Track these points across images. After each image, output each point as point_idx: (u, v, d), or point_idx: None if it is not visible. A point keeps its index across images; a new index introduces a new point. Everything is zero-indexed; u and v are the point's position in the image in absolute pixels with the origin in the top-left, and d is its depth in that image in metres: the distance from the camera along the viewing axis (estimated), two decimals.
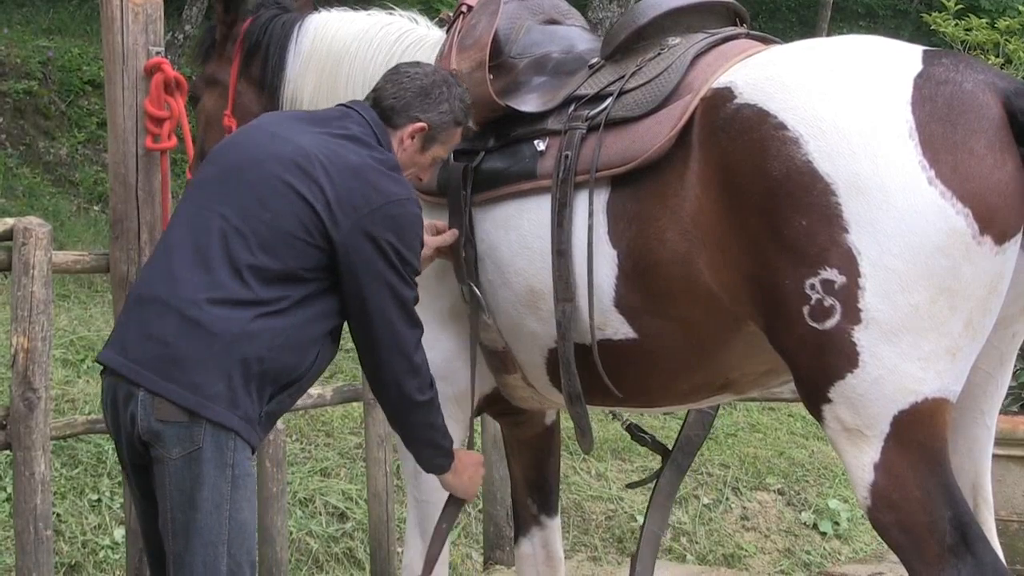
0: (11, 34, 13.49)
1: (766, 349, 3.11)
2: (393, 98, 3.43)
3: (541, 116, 3.55)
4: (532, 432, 4.05)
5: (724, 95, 3.10)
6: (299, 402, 5.38)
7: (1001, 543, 6.48)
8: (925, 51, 3.01)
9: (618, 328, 3.37)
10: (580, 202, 3.36)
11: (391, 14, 4.12)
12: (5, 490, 5.50)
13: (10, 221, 4.41)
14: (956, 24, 7.37)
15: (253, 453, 3.27)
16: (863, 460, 2.94)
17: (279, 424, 5.14)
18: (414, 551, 3.88)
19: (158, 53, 4.43)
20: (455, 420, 3.75)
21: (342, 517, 6.23)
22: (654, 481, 4.06)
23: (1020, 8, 7.64)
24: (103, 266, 4.61)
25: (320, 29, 4.10)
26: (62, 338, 6.91)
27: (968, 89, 2.88)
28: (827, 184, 2.87)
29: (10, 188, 10.70)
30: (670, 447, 4.08)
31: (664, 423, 7.40)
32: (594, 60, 3.60)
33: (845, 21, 16.72)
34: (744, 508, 7.12)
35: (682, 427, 4.00)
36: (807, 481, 7.47)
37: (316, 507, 6.25)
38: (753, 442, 7.75)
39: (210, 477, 3.16)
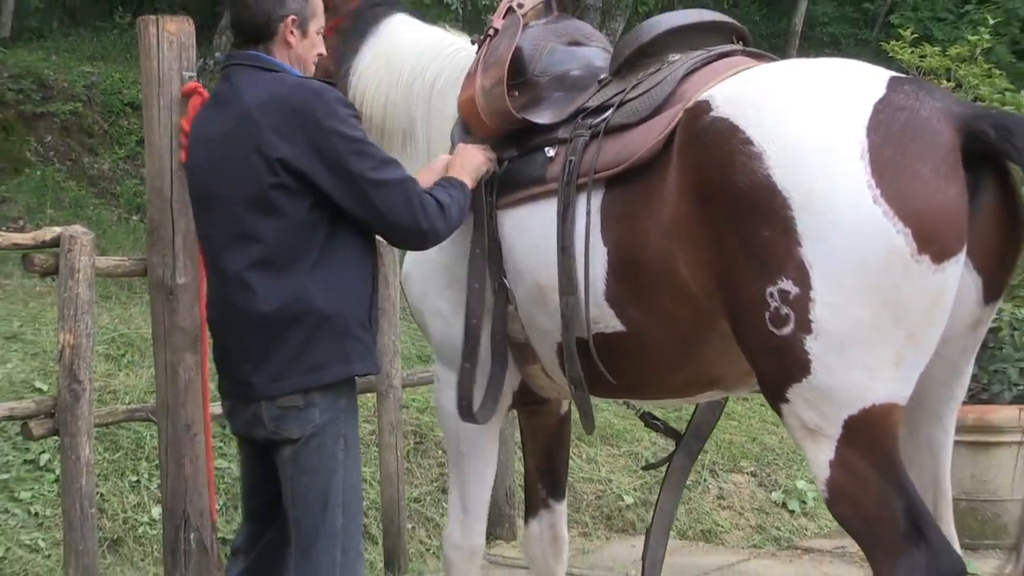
0: (59, 61, 13.49)
1: None
2: (252, 19, 3.35)
3: (554, 127, 3.54)
4: (547, 422, 4.01)
5: (703, 108, 3.07)
6: None
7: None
8: (891, 78, 2.96)
9: (609, 321, 3.34)
10: (581, 203, 3.34)
11: (453, 33, 4.12)
12: (54, 472, 5.51)
13: (57, 229, 4.42)
14: (912, 52, 7.38)
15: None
16: (821, 457, 2.92)
17: None
18: (455, 522, 3.87)
19: (191, 78, 4.44)
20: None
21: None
22: (667, 463, 4.02)
23: (969, 38, 7.66)
24: (141, 270, 4.62)
25: (395, 30, 4.10)
26: (104, 335, 6.91)
27: (923, 116, 2.82)
28: (784, 199, 2.82)
29: (58, 200, 10.70)
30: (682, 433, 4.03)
31: (681, 413, 7.40)
32: (603, 76, 3.59)
33: (812, 49, 16.71)
34: (720, 488, 7.13)
35: (693, 415, 3.96)
36: (777, 464, 7.47)
37: None
38: (728, 429, 7.76)
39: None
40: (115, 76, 12.98)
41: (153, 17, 4.49)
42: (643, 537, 6.53)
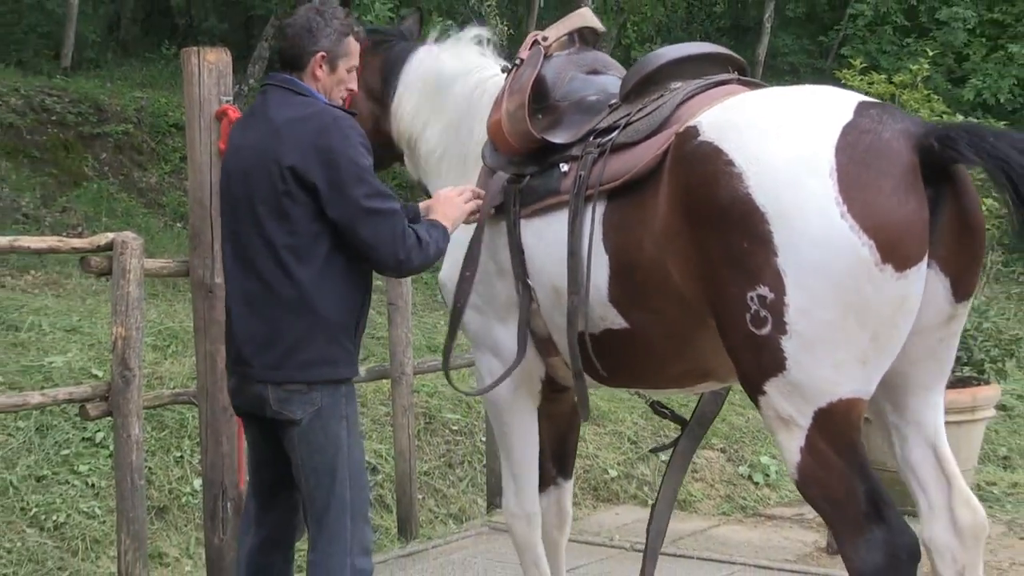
0: (112, 87, 13.50)
1: None
2: (288, 50, 3.38)
3: (569, 145, 3.52)
4: (562, 409, 3.95)
5: (691, 132, 3.04)
6: None
7: None
8: (860, 103, 2.93)
9: (615, 319, 3.32)
10: (587, 212, 3.32)
11: (482, 55, 4.08)
12: (108, 448, 5.51)
13: (111, 235, 4.42)
14: (861, 79, 7.37)
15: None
16: (792, 445, 2.89)
17: None
18: (510, 492, 3.85)
19: (227, 101, 4.44)
20: (525, 388, 3.73)
21: (373, 471, 6.23)
22: (672, 447, 3.95)
23: (911, 68, 7.65)
24: (184, 271, 4.62)
25: (423, 62, 4.06)
26: (151, 328, 6.91)
27: (885, 138, 2.79)
28: (762, 213, 2.80)
29: (111, 209, 10.70)
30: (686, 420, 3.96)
31: (687, 401, 7.41)
32: (613, 101, 3.57)
33: (774, 76, 16.71)
34: (694, 463, 7.10)
35: (698, 403, 3.91)
36: (744, 442, 7.46)
37: None
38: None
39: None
40: (162, 100, 12.99)
41: (195, 49, 4.49)
42: (625, 506, 6.56)
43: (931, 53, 9.30)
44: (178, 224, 10.84)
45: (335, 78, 3.39)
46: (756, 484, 7.14)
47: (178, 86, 9.72)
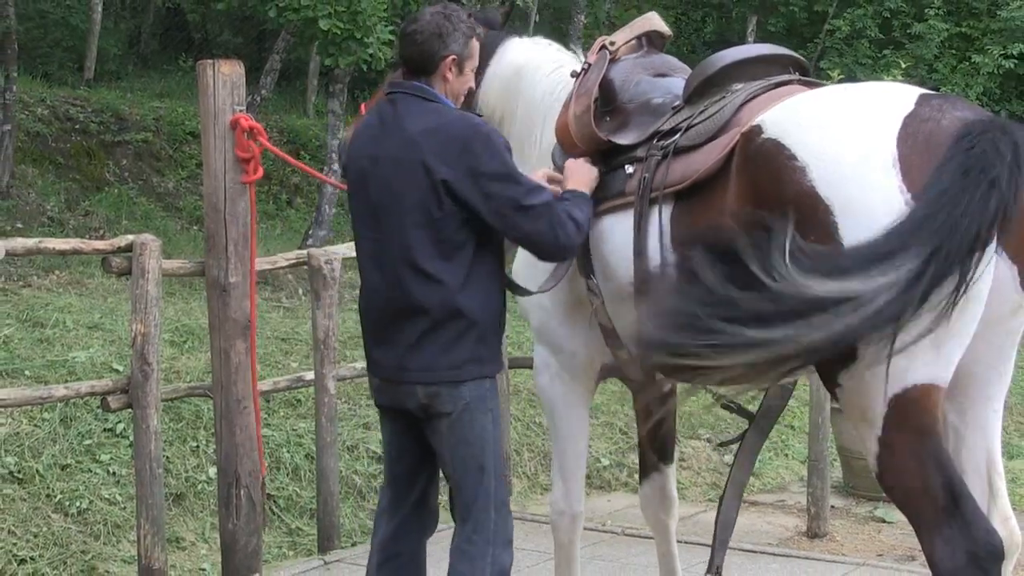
0: (132, 97, 13.48)
1: None
2: (420, 55, 3.24)
3: (634, 147, 3.43)
4: (653, 396, 3.85)
5: (756, 131, 2.95)
6: (347, 373, 5.38)
7: (854, 474, 6.45)
8: (921, 94, 2.81)
9: None
10: (653, 214, 3.23)
11: (561, 51, 4.00)
12: (128, 438, 5.49)
13: (130, 237, 4.41)
14: None
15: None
16: (870, 435, 2.75)
17: (331, 390, 5.13)
18: (558, 490, 3.75)
19: (240, 111, 4.42)
20: (581, 385, 3.66)
21: (379, 460, 6.20)
22: (739, 441, 3.85)
23: (885, 78, 7.66)
24: (200, 271, 4.60)
25: (512, 54, 3.93)
26: (169, 325, 6.89)
27: (944, 126, 2.68)
28: (827, 206, 2.69)
29: (131, 213, 10.68)
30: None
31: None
32: (676, 103, 3.47)
33: None
34: (682, 452, 7.10)
35: (763, 397, 3.78)
36: (728, 431, 7.42)
37: (360, 452, 6.23)
38: (688, 402, 7.71)
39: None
40: (179, 110, 12.97)
41: (210, 61, 4.48)
42: (617, 493, 6.54)
43: (904, 65, 9.30)
44: (194, 227, 10.81)
45: (462, 80, 3.29)
46: None
47: (194, 97, 9.70)
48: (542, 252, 3.25)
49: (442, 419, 3.18)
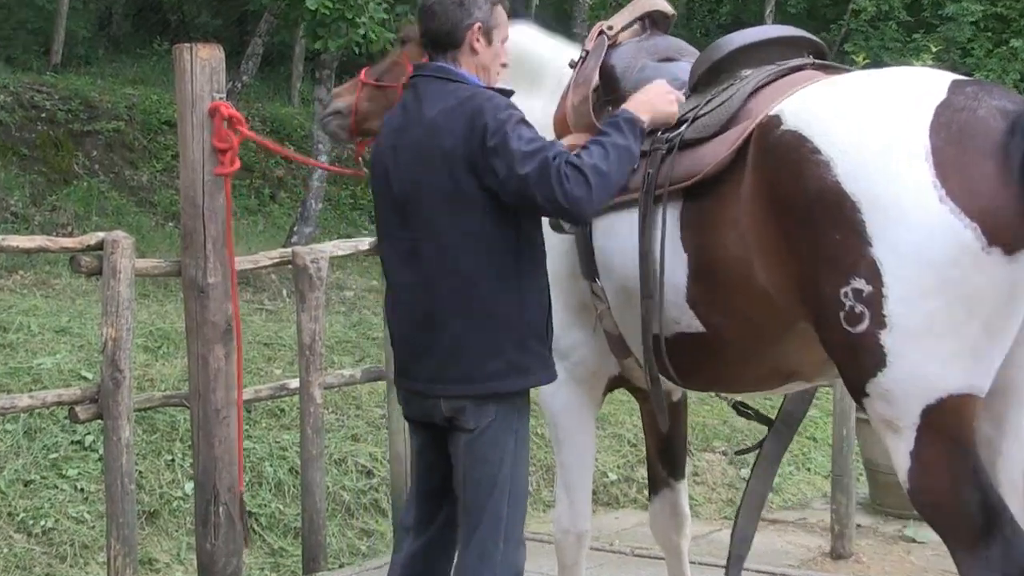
0: (103, 84, 13.50)
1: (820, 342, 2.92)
2: (440, 27, 3.15)
3: None
4: (663, 405, 3.75)
5: (773, 122, 2.91)
6: (334, 381, 5.38)
7: (882, 490, 6.43)
8: (953, 81, 2.77)
9: (690, 322, 3.19)
10: (658, 212, 3.18)
11: (559, 40, 3.97)
12: (97, 451, 5.49)
13: (101, 234, 4.41)
14: None
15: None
16: (900, 448, 2.71)
17: (317, 399, 5.13)
18: (562, 507, 3.74)
19: (220, 98, 4.41)
20: (587, 395, 3.64)
21: (369, 474, 6.22)
22: (758, 449, 3.83)
23: (914, 63, 7.66)
24: (176, 271, 4.59)
25: (522, 40, 3.82)
26: (142, 329, 6.89)
27: (981, 115, 2.64)
28: (853, 202, 2.67)
29: (102, 208, 10.69)
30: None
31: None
32: (682, 91, 3.41)
33: None
34: (695, 466, 7.11)
35: (783, 403, 3.76)
36: (746, 443, 7.44)
37: (348, 466, 6.24)
38: (702, 412, 7.74)
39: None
40: (153, 97, 12.99)
41: (188, 45, 4.46)
42: (625, 510, 6.55)
43: (935, 49, 9.29)
44: (170, 223, 10.83)
45: (492, 51, 3.19)
46: None
47: (170, 83, 9.71)
48: (554, 217, 3.11)
49: (462, 434, 3.12)
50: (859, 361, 2.73)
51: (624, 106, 3.21)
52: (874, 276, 2.66)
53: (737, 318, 3.09)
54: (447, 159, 3.02)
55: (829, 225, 2.71)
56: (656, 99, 3.26)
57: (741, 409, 3.85)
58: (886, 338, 2.66)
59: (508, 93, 3.16)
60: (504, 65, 3.29)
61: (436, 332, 3.09)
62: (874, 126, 2.74)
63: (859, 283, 2.68)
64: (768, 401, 7.37)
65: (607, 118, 3.21)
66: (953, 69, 3.17)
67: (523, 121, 3.05)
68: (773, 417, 3.81)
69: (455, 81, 3.13)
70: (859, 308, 2.68)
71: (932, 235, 2.61)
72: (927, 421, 2.68)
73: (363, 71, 4.02)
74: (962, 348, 2.64)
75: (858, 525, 5.92)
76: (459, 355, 3.07)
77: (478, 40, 3.16)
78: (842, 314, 2.71)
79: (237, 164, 4.39)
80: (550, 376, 3.20)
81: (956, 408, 2.67)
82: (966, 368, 2.66)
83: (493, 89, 3.15)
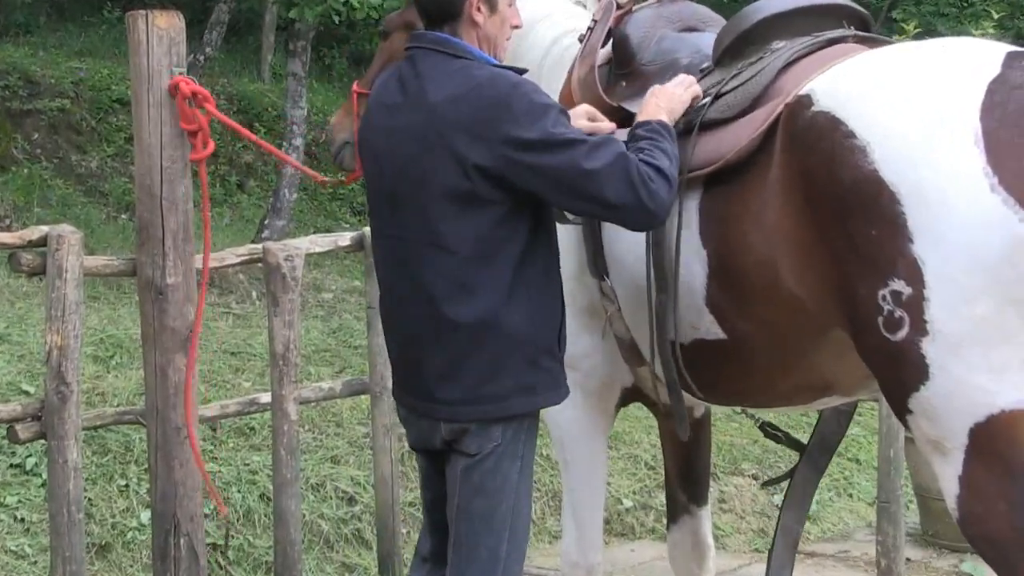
0: (46, 56, 13.49)
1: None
2: None
3: None
4: (683, 422, 3.80)
5: (804, 102, 2.92)
6: (311, 395, 5.39)
7: (935, 519, 6.45)
8: (1008, 53, 2.76)
9: (709, 327, 3.20)
10: (676, 201, 3.16)
11: (574, 6, 4.00)
12: (40, 476, 5.50)
13: (44, 228, 4.40)
14: None
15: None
16: (948, 472, 2.73)
17: (292, 415, 5.13)
18: (570, 537, 3.76)
19: (180, 73, 4.42)
20: (599, 410, 3.65)
21: (351, 501, 6.22)
22: (789, 478, 3.83)
23: (973, 33, 7.65)
24: (130, 270, 4.60)
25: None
26: (92, 336, 6.89)
27: None
28: (892, 193, 2.67)
29: (45, 198, 10.69)
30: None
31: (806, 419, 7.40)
32: (705, 65, 3.44)
33: None
34: (721, 492, 7.11)
35: (817, 423, 3.76)
36: (779, 466, 7.45)
37: (327, 492, 6.24)
38: (729, 431, 7.74)
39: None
40: (103, 72, 12.99)
41: (143, 12, 4.46)
42: (642, 541, 6.55)
43: (996, 16, 9.29)
44: (123, 216, 10.84)
45: (498, 18, 3.14)
46: None
47: (123, 55, 9.72)
48: (628, 222, 3.06)
49: (462, 458, 3.11)
50: (899, 373, 2.73)
51: (644, 116, 3.18)
52: (915, 277, 2.65)
53: (763, 324, 3.10)
54: (456, 156, 2.96)
55: (865, 219, 2.71)
56: (662, 95, 3.26)
57: (769, 431, 3.85)
58: (928, 347, 2.66)
59: (521, 72, 3.12)
60: (516, 27, 3.25)
61: (432, 347, 3.08)
62: (917, 106, 2.74)
63: (898, 285, 2.67)
64: (804, 418, 7.38)
65: (638, 128, 3.17)
66: (1019, 38, 3.17)
67: (563, 111, 3.02)
68: (806, 440, 3.81)
69: (460, 57, 3.06)
70: (898, 313, 2.68)
71: (983, 229, 2.59)
72: (976, 441, 2.68)
73: (355, 83, 4.04)
74: (1015, 359, 2.63)
75: (907, 559, 5.92)
76: (460, 372, 3.05)
77: (479, 9, 3.12)
78: (880, 319, 2.71)
79: (211, 146, 4.37)
80: (561, 395, 3.19)
81: (1009, 426, 2.66)
82: (1020, 380, 2.64)
83: (509, 68, 3.09)
